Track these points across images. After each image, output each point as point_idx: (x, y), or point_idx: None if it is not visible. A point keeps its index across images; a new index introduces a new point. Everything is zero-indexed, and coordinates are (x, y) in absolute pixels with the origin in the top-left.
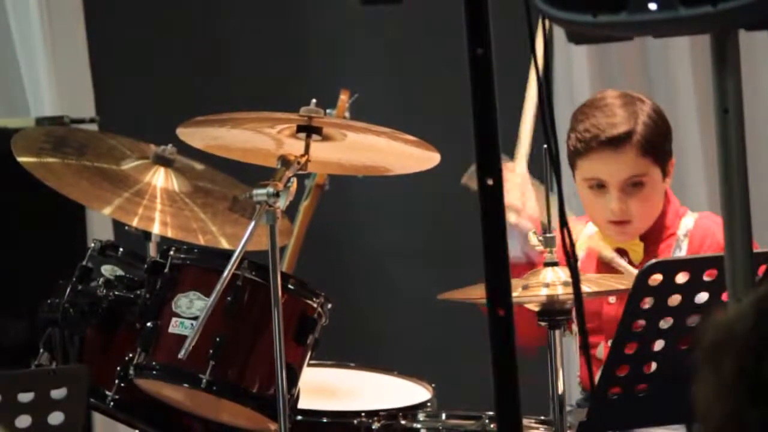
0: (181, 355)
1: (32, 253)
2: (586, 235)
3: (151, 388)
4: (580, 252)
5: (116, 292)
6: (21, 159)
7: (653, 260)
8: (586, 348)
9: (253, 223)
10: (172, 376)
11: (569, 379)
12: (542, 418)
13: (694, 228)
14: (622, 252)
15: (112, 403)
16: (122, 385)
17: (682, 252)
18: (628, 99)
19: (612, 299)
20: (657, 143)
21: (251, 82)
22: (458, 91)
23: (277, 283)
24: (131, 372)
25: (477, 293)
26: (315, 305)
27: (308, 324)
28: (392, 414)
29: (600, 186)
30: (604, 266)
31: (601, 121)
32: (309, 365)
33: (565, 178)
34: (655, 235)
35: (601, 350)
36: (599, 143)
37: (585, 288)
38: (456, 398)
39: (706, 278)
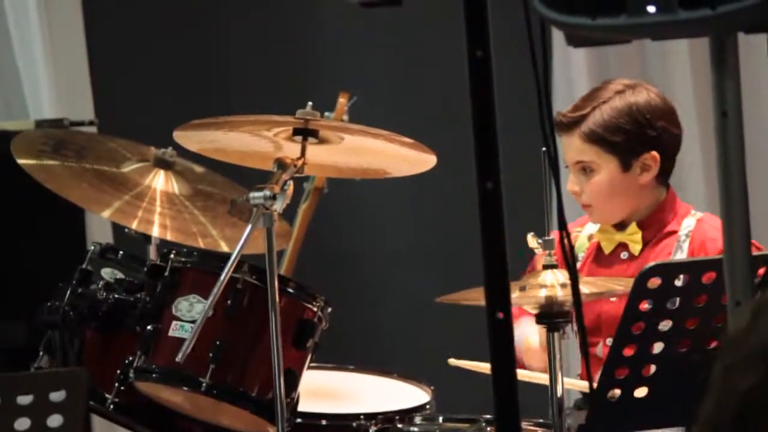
0: (179, 358)
1: (32, 256)
2: (585, 236)
3: (150, 392)
4: (579, 254)
5: (116, 295)
6: (21, 161)
7: (652, 263)
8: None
9: (249, 226)
10: (171, 379)
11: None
12: (541, 420)
13: (695, 230)
14: (623, 246)
15: (111, 406)
16: (122, 388)
17: (683, 253)
18: (619, 88)
19: (613, 297)
20: (609, 135)
21: (251, 84)
22: (457, 93)
23: (275, 287)
24: (131, 375)
25: (476, 296)
26: (314, 309)
27: (308, 328)
28: (390, 417)
29: (567, 167)
30: (599, 268)
31: (569, 106)
32: (308, 368)
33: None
34: (653, 229)
35: (601, 349)
36: (556, 125)
37: (584, 290)
38: (456, 401)
39: (704, 281)
